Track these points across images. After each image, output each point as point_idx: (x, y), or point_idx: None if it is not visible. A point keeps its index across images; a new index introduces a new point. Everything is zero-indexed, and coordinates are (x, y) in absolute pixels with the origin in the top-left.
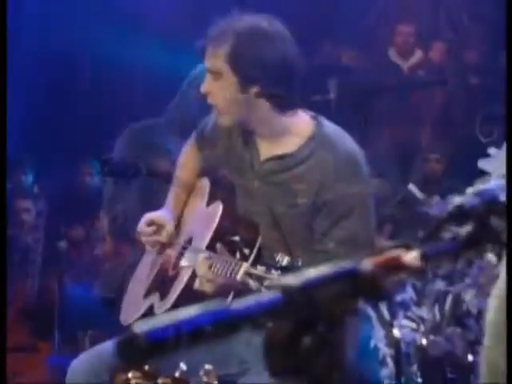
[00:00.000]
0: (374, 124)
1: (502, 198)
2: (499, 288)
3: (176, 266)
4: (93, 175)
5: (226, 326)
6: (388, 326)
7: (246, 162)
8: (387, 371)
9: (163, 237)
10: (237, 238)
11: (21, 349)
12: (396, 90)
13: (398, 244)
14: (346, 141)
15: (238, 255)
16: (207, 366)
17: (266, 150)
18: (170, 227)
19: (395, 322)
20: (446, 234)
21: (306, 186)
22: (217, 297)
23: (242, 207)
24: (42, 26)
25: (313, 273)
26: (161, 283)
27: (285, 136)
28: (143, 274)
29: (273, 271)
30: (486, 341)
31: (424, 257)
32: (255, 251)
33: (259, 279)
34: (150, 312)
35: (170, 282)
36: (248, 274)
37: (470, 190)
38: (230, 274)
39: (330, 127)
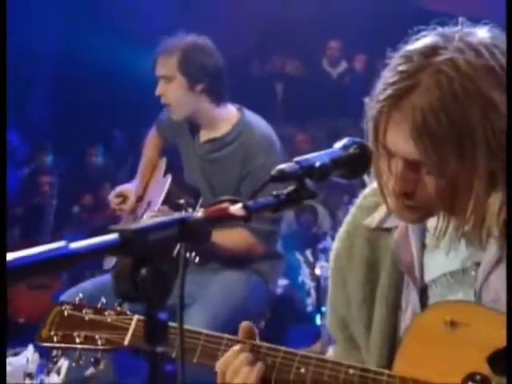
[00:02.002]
0: (310, 117)
1: (317, 164)
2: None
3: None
4: (98, 156)
5: (64, 260)
6: (312, 266)
7: (190, 144)
8: (311, 299)
9: (127, 205)
10: (182, 201)
11: (38, 287)
12: (327, 92)
13: (227, 199)
14: (263, 126)
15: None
16: None
17: (204, 135)
18: (132, 198)
19: (317, 264)
20: (272, 192)
21: (234, 161)
22: None
23: (187, 178)
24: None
25: (151, 220)
26: None
27: (218, 123)
28: None
29: None
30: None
31: (245, 208)
32: (197, 209)
33: None
34: None
35: None
36: None
37: (296, 159)
38: None
39: (251, 116)
